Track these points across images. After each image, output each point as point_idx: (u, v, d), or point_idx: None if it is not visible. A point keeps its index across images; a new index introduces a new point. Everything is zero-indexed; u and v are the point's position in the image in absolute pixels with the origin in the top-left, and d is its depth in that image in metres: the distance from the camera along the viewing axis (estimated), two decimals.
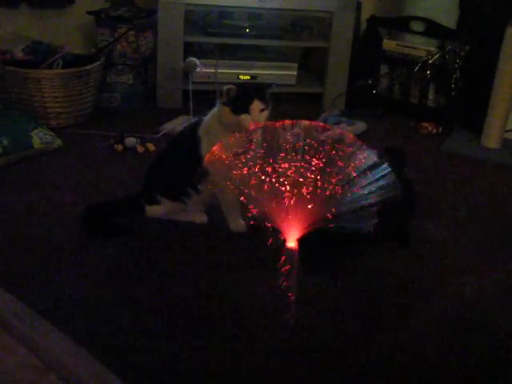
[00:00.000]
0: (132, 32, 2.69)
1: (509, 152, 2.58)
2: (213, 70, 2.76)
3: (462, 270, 1.64)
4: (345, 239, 1.54)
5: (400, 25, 2.89)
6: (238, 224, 1.72)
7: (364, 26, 3.04)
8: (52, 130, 2.31)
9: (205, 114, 1.72)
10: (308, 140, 1.46)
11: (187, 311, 1.38)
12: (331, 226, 1.39)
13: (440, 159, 2.48)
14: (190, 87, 2.57)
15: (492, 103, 2.55)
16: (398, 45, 2.86)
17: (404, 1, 2.90)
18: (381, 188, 1.46)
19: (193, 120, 1.88)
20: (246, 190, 1.50)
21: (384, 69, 2.98)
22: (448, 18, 2.78)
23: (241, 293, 1.46)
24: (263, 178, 1.47)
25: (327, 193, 1.46)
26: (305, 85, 3.02)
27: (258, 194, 1.48)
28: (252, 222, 1.50)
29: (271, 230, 1.52)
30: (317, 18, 2.97)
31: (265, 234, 1.52)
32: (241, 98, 1.59)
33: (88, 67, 2.49)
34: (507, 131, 2.65)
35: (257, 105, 1.58)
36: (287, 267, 1.51)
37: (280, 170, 1.44)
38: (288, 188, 1.47)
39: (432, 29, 2.77)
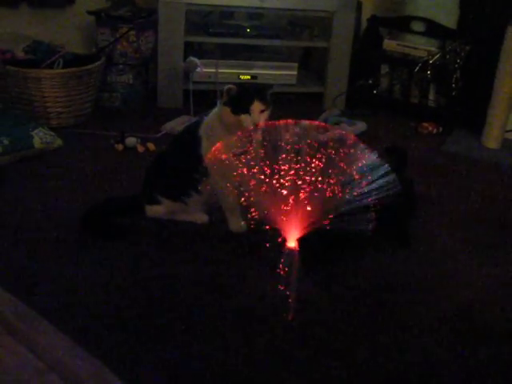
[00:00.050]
0: (132, 32, 2.69)
1: (509, 152, 2.58)
2: (213, 70, 2.76)
3: (462, 270, 1.64)
4: (344, 239, 1.54)
5: (400, 25, 2.89)
6: (238, 224, 1.72)
7: (364, 25, 3.04)
8: (52, 129, 2.31)
9: (205, 114, 1.72)
10: (308, 141, 1.47)
11: (187, 311, 1.38)
12: (329, 227, 1.40)
13: (440, 159, 2.48)
14: (191, 87, 2.57)
15: (492, 103, 2.55)
16: (398, 45, 2.86)
17: (404, 1, 2.90)
18: (381, 187, 1.46)
19: (193, 120, 1.89)
20: (246, 191, 1.50)
21: (384, 69, 2.98)
22: (448, 18, 2.78)
23: (241, 293, 1.46)
24: (263, 178, 1.48)
25: (327, 193, 1.46)
26: (305, 85, 3.02)
27: (258, 194, 1.49)
28: (252, 226, 1.51)
29: (271, 230, 1.52)
30: (317, 17, 2.97)
31: (265, 234, 1.53)
32: (241, 98, 1.59)
33: (88, 67, 2.49)
34: (507, 131, 2.64)
35: (257, 105, 1.58)
36: (287, 267, 1.52)
37: (281, 172, 1.44)
38: (288, 189, 1.47)
39: (432, 29, 2.78)
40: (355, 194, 1.46)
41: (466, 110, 2.77)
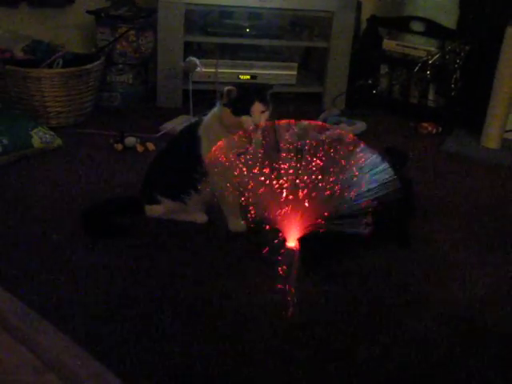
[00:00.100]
0: (132, 31, 2.69)
1: (509, 152, 2.58)
2: (213, 70, 2.76)
3: (462, 270, 1.64)
4: (344, 239, 1.54)
5: (400, 25, 2.89)
6: (237, 224, 1.72)
7: (364, 25, 3.04)
8: (52, 129, 2.31)
9: (205, 114, 1.72)
10: (307, 141, 1.47)
11: (187, 311, 1.38)
12: (325, 229, 1.40)
13: (440, 159, 2.48)
14: (190, 87, 2.57)
15: (492, 103, 2.55)
16: (398, 45, 2.86)
17: (404, 1, 2.90)
18: (380, 185, 1.46)
19: (193, 120, 1.89)
20: (246, 191, 1.50)
21: (384, 69, 2.98)
22: (448, 18, 2.78)
23: (241, 292, 1.46)
24: (262, 179, 1.48)
25: (327, 192, 1.46)
26: (305, 84, 3.02)
27: (257, 194, 1.49)
28: (252, 226, 1.51)
29: (271, 229, 1.52)
30: (317, 17, 2.97)
31: (264, 234, 1.53)
32: (242, 99, 1.59)
33: (88, 66, 2.49)
34: (507, 131, 2.65)
35: (258, 106, 1.58)
36: (287, 267, 1.52)
37: (280, 171, 1.44)
38: (287, 189, 1.47)
39: (432, 29, 2.77)
40: (354, 192, 1.46)
41: (466, 110, 2.77)
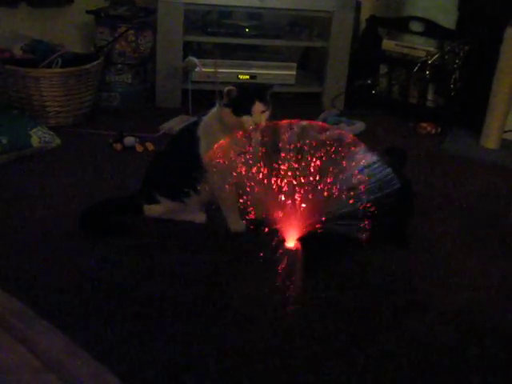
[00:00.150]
0: (131, 31, 2.69)
1: (508, 152, 2.58)
2: (212, 70, 2.76)
3: (462, 270, 1.64)
4: (344, 240, 1.54)
5: (399, 25, 2.88)
6: (237, 224, 1.72)
7: (363, 25, 3.04)
8: (51, 128, 2.31)
9: (204, 114, 1.72)
10: (307, 141, 1.47)
11: (187, 311, 1.38)
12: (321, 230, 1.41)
13: (439, 159, 2.48)
14: (190, 87, 2.57)
15: (491, 103, 2.55)
16: (397, 45, 2.86)
17: (403, 1, 2.89)
18: (379, 186, 1.46)
19: (192, 120, 1.89)
20: (245, 191, 1.51)
21: (383, 69, 2.98)
22: (447, 18, 2.78)
23: (241, 292, 1.46)
24: (261, 178, 1.48)
25: (325, 193, 1.46)
26: (304, 84, 3.02)
27: (256, 194, 1.49)
28: (251, 226, 1.51)
29: (270, 230, 1.52)
30: (316, 17, 2.97)
31: (264, 234, 1.53)
32: (242, 99, 1.59)
33: (87, 66, 2.48)
34: (506, 132, 2.65)
35: (258, 106, 1.58)
36: (286, 267, 1.52)
37: (280, 172, 1.44)
38: (286, 189, 1.47)
39: (431, 29, 2.77)
40: (353, 193, 1.46)
41: (465, 111, 2.77)
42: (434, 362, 1.28)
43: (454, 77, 2.73)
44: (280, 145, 1.49)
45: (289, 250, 1.60)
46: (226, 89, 1.59)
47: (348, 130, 2.49)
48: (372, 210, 1.46)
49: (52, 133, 2.27)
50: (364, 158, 1.49)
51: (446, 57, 2.75)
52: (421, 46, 2.80)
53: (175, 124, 2.48)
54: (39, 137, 2.19)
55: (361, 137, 1.52)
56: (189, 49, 2.85)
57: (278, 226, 1.55)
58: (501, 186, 2.25)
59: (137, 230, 1.71)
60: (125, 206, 1.78)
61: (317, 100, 3.00)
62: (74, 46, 2.79)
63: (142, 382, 1.16)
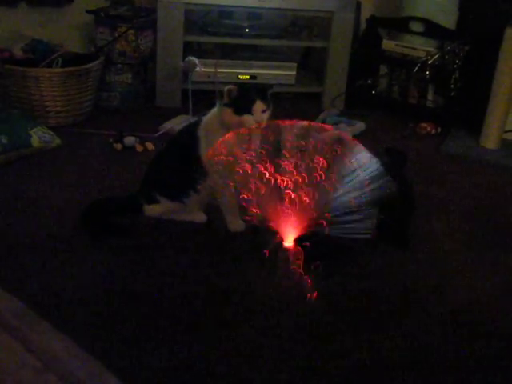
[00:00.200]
0: (132, 31, 2.69)
1: (508, 152, 2.59)
2: (212, 70, 2.76)
3: (461, 271, 1.65)
4: (343, 242, 1.54)
5: (399, 25, 2.88)
6: (236, 223, 1.72)
7: (363, 26, 3.04)
8: (51, 128, 2.31)
9: (204, 114, 1.72)
10: (304, 142, 1.47)
11: (187, 311, 1.38)
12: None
13: (439, 160, 2.48)
14: (190, 87, 2.57)
15: (491, 104, 2.55)
16: (397, 45, 2.86)
17: (403, 1, 2.90)
18: (377, 187, 1.47)
19: (192, 120, 1.89)
20: (245, 191, 1.50)
21: (383, 69, 2.98)
22: (447, 18, 2.78)
23: (240, 292, 1.46)
24: (261, 179, 1.48)
25: (324, 195, 1.46)
26: (304, 84, 3.02)
27: (256, 195, 1.49)
28: (251, 225, 1.50)
29: (269, 230, 1.52)
30: (316, 17, 2.97)
31: (263, 234, 1.53)
32: (243, 98, 1.59)
33: (87, 66, 2.48)
34: (506, 132, 2.65)
35: (259, 105, 1.58)
36: (285, 266, 1.52)
37: (280, 172, 1.44)
38: (286, 190, 1.47)
39: (431, 29, 2.77)
40: (352, 195, 1.46)
41: (465, 111, 2.77)
42: (434, 361, 1.28)
43: (453, 77, 2.73)
44: (282, 145, 1.49)
45: (287, 250, 1.60)
46: (227, 88, 1.59)
47: (348, 131, 2.49)
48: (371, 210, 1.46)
49: (52, 133, 2.27)
50: (363, 158, 1.49)
51: (446, 57, 2.75)
52: (421, 47, 2.80)
53: (175, 124, 2.48)
54: (39, 136, 2.19)
55: (361, 137, 1.53)
56: (189, 49, 2.84)
57: (277, 226, 1.55)
58: (501, 186, 2.25)
59: (137, 229, 1.71)
60: (125, 206, 1.78)
61: (317, 100, 3.00)
62: (74, 45, 2.79)
63: (141, 382, 1.16)
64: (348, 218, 1.42)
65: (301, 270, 1.48)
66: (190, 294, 1.44)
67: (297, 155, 1.46)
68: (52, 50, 2.52)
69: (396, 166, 1.65)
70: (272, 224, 1.53)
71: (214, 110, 1.68)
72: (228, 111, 1.60)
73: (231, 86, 1.60)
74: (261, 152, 1.48)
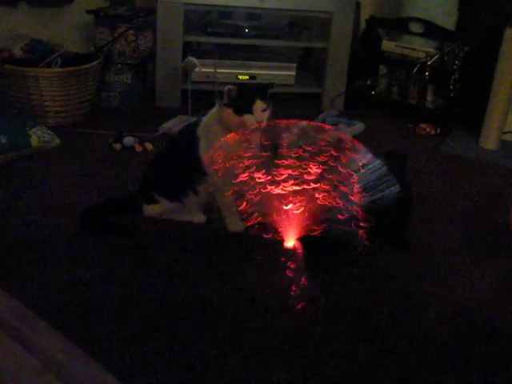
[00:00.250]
0: (131, 31, 2.69)
1: (507, 153, 2.59)
2: (212, 70, 2.76)
3: (460, 271, 1.65)
4: (343, 242, 1.54)
5: (399, 26, 2.89)
6: (235, 224, 1.72)
7: (363, 26, 3.04)
8: (50, 128, 2.31)
9: (203, 114, 1.72)
10: (307, 147, 1.47)
11: (186, 311, 1.38)
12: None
13: (438, 160, 2.48)
14: (189, 87, 2.57)
15: (490, 105, 2.55)
16: (396, 46, 2.86)
17: (403, 2, 2.90)
18: (377, 188, 1.47)
19: (191, 120, 1.88)
20: (245, 192, 1.51)
21: (383, 70, 2.98)
22: (447, 19, 2.78)
23: (239, 292, 1.46)
24: (261, 179, 1.48)
25: (323, 202, 1.47)
26: (303, 85, 3.03)
27: (256, 195, 1.49)
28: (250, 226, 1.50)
29: (269, 230, 1.53)
30: (316, 18, 2.97)
31: (263, 234, 1.53)
32: (242, 98, 1.58)
33: (87, 66, 2.48)
34: (505, 133, 2.65)
35: (259, 104, 1.58)
36: (285, 267, 1.52)
37: (279, 173, 1.45)
38: (286, 191, 1.48)
39: (431, 30, 2.78)
40: (353, 197, 1.47)
41: (464, 112, 2.77)
42: (434, 361, 1.28)
43: (453, 78, 2.74)
44: (280, 149, 1.49)
45: (288, 250, 1.60)
46: (226, 88, 1.59)
47: (347, 131, 2.49)
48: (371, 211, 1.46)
49: (51, 132, 2.27)
50: (363, 159, 1.49)
51: (446, 58, 2.75)
52: (420, 47, 2.80)
53: (175, 124, 2.48)
54: (38, 136, 2.19)
55: (360, 137, 1.53)
56: (188, 49, 2.85)
57: (277, 226, 1.55)
58: (500, 187, 2.25)
59: (136, 229, 1.71)
60: (124, 206, 1.78)
61: (316, 100, 3.00)
62: (73, 45, 2.79)
63: (141, 382, 1.16)
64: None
65: (301, 271, 1.48)
66: (189, 294, 1.44)
67: (294, 158, 1.47)
68: (52, 50, 2.52)
69: (395, 168, 1.65)
70: (272, 225, 1.53)
71: (214, 111, 1.68)
72: (228, 111, 1.59)
73: (231, 86, 1.60)
74: (261, 156, 1.48)
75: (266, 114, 1.60)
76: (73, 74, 2.43)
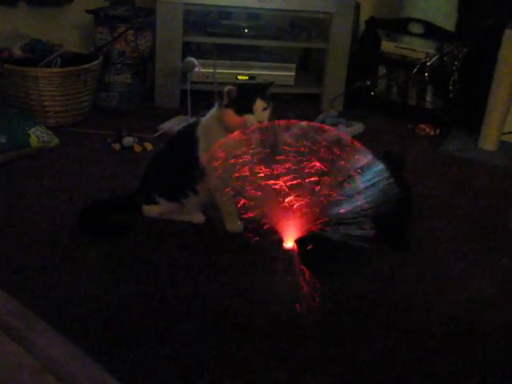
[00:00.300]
0: (131, 31, 2.69)
1: (506, 154, 2.59)
2: (211, 70, 2.76)
3: (459, 272, 1.65)
4: (343, 242, 1.54)
5: (399, 26, 2.89)
6: (234, 224, 1.72)
7: (363, 27, 3.04)
8: (50, 128, 2.30)
9: (203, 115, 1.72)
10: (305, 142, 1.47)
11: (185, 311, 1.38)
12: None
13: (437, 161, 2.48)
14: (189, 87, 2.56)
15: (490, 105, 2.55)
16: (396, 46, 2.87)
17: (403, 3, 2.90)
18: (377, 189, 1.47)
19: (191, 120, 1.88)
20: (245, 192, 1.50)
21: (382, 70, 2.98)
22: (446, 20, 2.78)
23: (238, 292, 1.46)
24: (261, 179, 1.48)
25: (324, 198, 1.47)
26: (303, 85, 3.02)
27: (255, 195, 1.49)
28: (250, 226, 1.50)
29: (268, 230, 1.52)
30: (316, 19, 2.96)
31: (262, 235, 1.53)
32: (242, 98, 1.58)
33: (86, 66, 2.48)
34: (504, 133, 2.65)
35: (260, 103, 1.58)
36: (285, 267, 1.52)
37: (279, 173, 1.45)
38: (286, 191, 1.48)
39: (430, 31, 2.78)
40: (351, 199, 1.46)
41: (464, 112, 2.77)
42: (434, 361, 1.28)
43: (452, 78, 2.74)
44: (281, 146, 1.49)
45: (287, 251, 1.60)
46: (226, 89, 1.59)
47: (346, 132, 2.49)
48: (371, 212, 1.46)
49: (51, 132, 2.26)
50: (362, 159, 1.49)
51: (445, 59, 2.75)
52: (420, 48, 2.80)
53: (174, 124, 2.48)
54: (38, 136, 2.19)
55: (359, 138, 1.53)
56: (188, 49, 2.84)
57: (276, 227, 1.55)
58: (499, 188, 2.25)
59: (135, 229, 1.71)
60: (123, 206, 1.78)
61: (316, 101, 3.00)
62: (73, 45, 2.79)
63: (141, 383, 1.16)
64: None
65: (300, 271, 1.48)
66: (189, 294, 1.44)
67: (294, 157, 1.47)
68: (51, 50, 2.52)
69: (394, 169, 1.65)
70: (272, 225, 1.53)
71: (213, 111, 1.68)
72: (229, 112, 1.59)
73: (230, 87, 1.59)
74: (260, 154, 1.48)
75: (267, 113, 1.60)
76: (72, 73, 2.43)
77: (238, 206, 1.52)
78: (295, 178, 1.46)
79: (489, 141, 2.61)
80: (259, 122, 1.57)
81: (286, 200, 1.47)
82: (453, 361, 1.29)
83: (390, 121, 2.88)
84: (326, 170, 1.45)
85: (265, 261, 1.57)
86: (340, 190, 1.47)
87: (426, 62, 2.76)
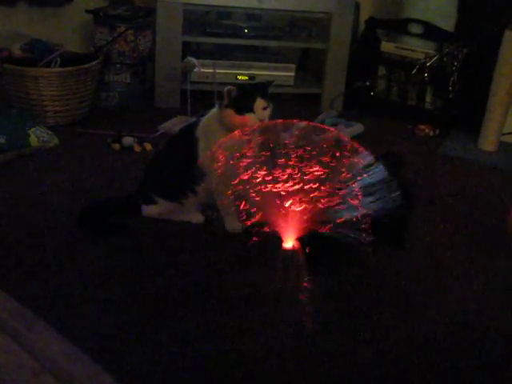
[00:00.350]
0: (131, 31, 2.69)
1: (506, 155, 2.59)
2: (211, 70, 2.75)
3: (459, 272, 1.65)
4: (343, 242, 1.54)
5: (398, 27, 2.89)
6: (234, 224, 1.71)
7: (362, 27, 3.04)
8: (49, 128, 2.30)
9: (202, 115, 1.72)
10: (304, 148, 1.47)
11: (186, 311, 1.38)
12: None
13: (437, 162, 2.48)
14: (188, 87, 2.56)
15: (489, 106, 2.55)
16: (396, 47, 2.87)
17: (402, 3, 2.90)
18: (376, 190, 1.47)
19: (190, 120, 1.88)
20: (244, 192, 1.50)
21: (382, 71, 2.98)
22: (446, 20, 2.78)
23: (237, 293, 1.46)
24: (261, 180, 1.48)
25: (324, 200, 1.46)
26: (303, 86, 3.02)
27: (255, 196, 1.49)
28: (249, 226, 1.51)
29: (268, 230, 1.52)
30: (315, 19, 2.96)
31: (262, 235, 1.53)
32: (243, 97, 1.58)
33: (86, 66, 2.48)
34: (504, 134, 2.65)
35: (260, 103, 1.58)
36: (285, 267, 1.52)
37: (279, 173, 1.44)
38: (285, 192, 1.47)
39: (430, 31, 2.78)
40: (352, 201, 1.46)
41: (463, 113, 2.77)
42: (434, 361, 1.28)
43: (452, 79, 2.74)
44: (279, 149, 1.49)
45: (287, 251, 1.60)
46: (226, 89, 1.59)
47: (346, 132, 2.49)
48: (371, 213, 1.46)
49: (50, 132, 2.26)
50: (362, 160, 1.49)
51: (445, 59, 2.75)
52: (420, 48, 2.80)
53: (174, 124, 2.48)
54: (37, 136, 2.19)
55: (359, 138, 1.53)
56: (188, 49, 2.85)
57: (276, 227, 1.55)
58: (498, 188, 2.25)
59: (135, 229, 1.71)
60: (123, 206, 1.78)
61: (315, 101, 3.00)
62: (72, 45, 2.79)
63: (140, 382, 1.16)
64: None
65: (300, 271, 1.48)
66: (189, 294, 1.44)
67: (294, 159, 1.47)
68: (51, 50, 2.51)
69: (392, 169, 1.65)
70: (271, 225, 1.53)
71: (213, 111, 1.67)
72: (229, 112, 1.59)
73: (230, 87, 1.59)
74: (261, 156, 1.48)
75: (267, 112, 1.60)
76: (72, 73, 2.43)
77: (240, 208, 1.52)
78: (296, 184, 1.46)
79: (488, 141, 2.61)
80: (260, 120, 1.57)
81: (287, 204, 1.47)
82: (453, 361, 1.29)
83: (389, 121, 2.88)
84: (325, 175, 1.45)
85: (264, 261, 1.57)
86: (340, 196, 1.46)
87: (425, 62, 2.76)
